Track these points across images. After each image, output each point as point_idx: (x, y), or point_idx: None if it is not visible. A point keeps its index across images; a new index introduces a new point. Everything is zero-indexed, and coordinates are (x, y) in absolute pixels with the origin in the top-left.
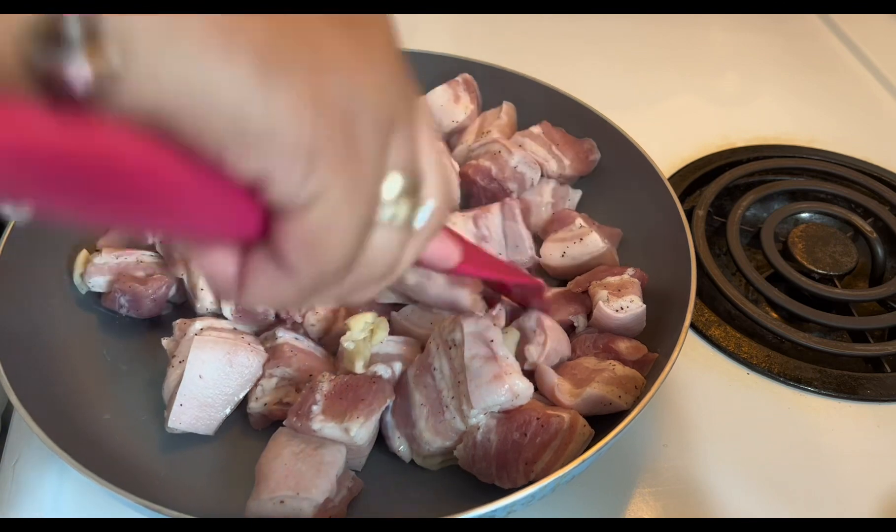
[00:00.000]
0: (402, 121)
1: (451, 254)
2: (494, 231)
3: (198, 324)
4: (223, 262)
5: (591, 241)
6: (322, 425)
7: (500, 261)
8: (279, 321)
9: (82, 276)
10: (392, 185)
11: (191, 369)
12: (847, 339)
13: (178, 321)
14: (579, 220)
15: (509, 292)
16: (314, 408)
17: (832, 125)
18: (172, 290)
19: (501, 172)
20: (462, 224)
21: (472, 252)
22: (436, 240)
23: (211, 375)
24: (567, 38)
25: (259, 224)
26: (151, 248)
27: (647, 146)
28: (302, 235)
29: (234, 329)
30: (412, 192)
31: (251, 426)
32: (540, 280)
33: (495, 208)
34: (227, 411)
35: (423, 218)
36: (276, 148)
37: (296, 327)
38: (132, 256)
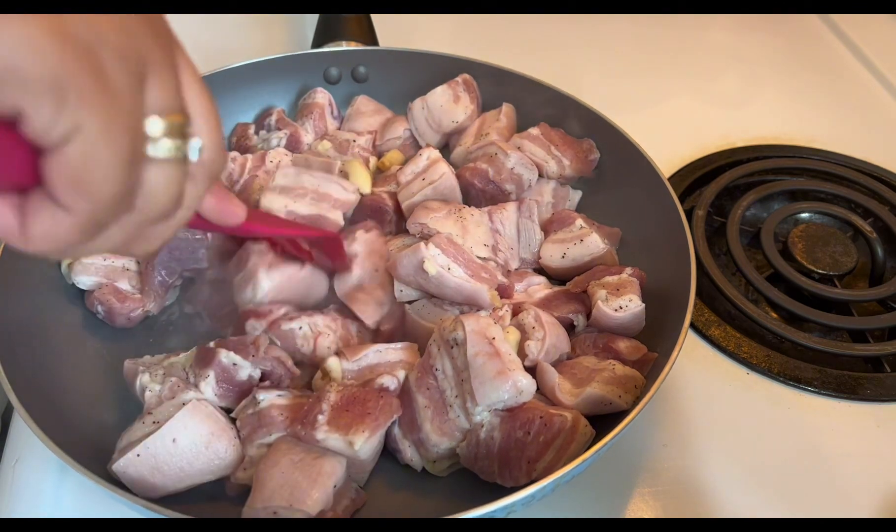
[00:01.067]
0: (156, 62)
1: (236, 210)
2: (508, 226)
3: (191, 394)
4: (2, 211)
5: (591, 242)
6: (326, 436)
7: (290, 221)
8: (233, 345)
9: (70, 266)
10: (154, 123)
11: (169, 429)
12: (847, 339)
13: (173, 379)
14: (579, 221)
15: (305, 253)
16: (320, 417)
17: (832, 125)
18: (145, 314)
19: (498, 174)
20: (478, 217)
21: (260, 214)
22: (222, 197)
23: (183, 446)
24: (567, 38)
25: (30, 166)
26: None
27: (647, 146)
28: (66, 171)
29: (227, 414)
30: (178, 130)
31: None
32: (335, 232)
33: (511, 206)
34: (170, 489)
35: (194, 153)
36: (20, 82)
37: (277, 383)
38: (119, 261)
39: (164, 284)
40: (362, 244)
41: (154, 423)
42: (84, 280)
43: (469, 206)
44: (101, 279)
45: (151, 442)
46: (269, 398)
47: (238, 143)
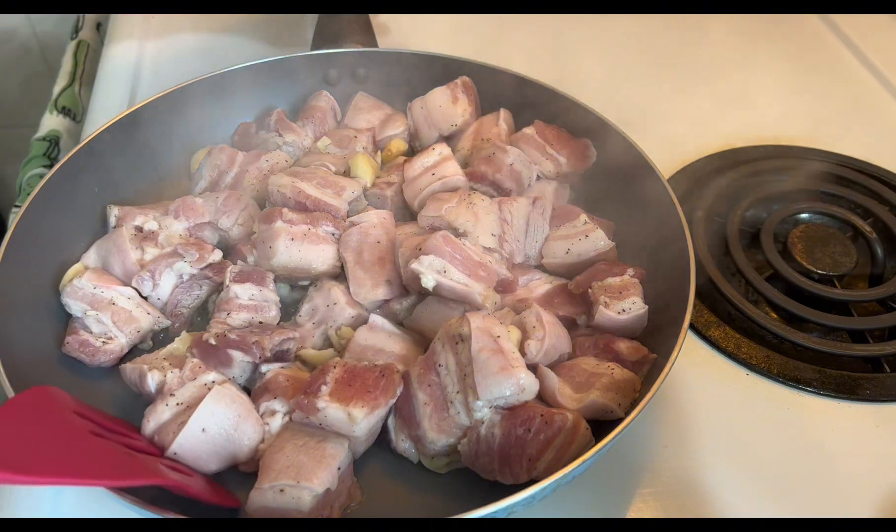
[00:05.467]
0: None
1: None
2: (518, 219)
3: (212, 375)
4: None
5: (596, 238)
6: (327, 405)
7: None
8: (237, 345)
9: (63, 288)
10: None
11: (197, 419)
12: (847, 339)
13: (193, 361)
14: (583, 216)
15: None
16: (323, 388)
17: (832, 125)
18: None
19: (498, 171)
20: (488, 205)
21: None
22: None
23: (214, 432)
24: (567, 39)
25: None
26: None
27: (647, 147)
28: None
29: (249, 392)
30: None
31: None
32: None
33: (524, 199)
34: (213, 468)
35: None
36: None
37: (281, 356)
38: (109, 293)
39: (190, 307)
40: (374, 215)
41: (178, 404)
42: (71, 304)
43: (478, 193)
44: (86, 306)
45: (183, 438)
46: (273, 368)
47: (240, 140)
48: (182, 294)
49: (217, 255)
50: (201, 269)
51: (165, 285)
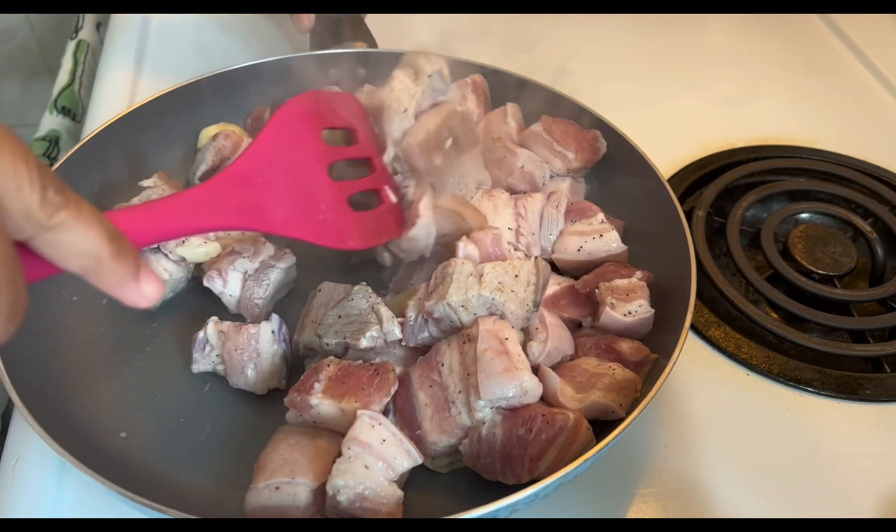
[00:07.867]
0: None
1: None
2: (532, 212)
3: None
4: None
5: (610, 239)
6: (320, 402)
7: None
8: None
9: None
10: None
11: None
12: (847, 339)
13: None
14: (601, 215)
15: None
16: (316, 385)
17: (832, 125)
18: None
19: (510, 175)
20: (506, 199)
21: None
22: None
23: None
24: (566, 39)
25: None
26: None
27: (646, 147)
28: None
29: None
30: None
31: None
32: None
33: (538, 194)
34: None
35: None
36: None
37: None
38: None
39: (264, 298)
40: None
41: None
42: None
43: (499, 188)
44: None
45: None
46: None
47: (253, 123)
48: (254, 287)
49: (269, 250)
50: (262, 262)
51: (234, 282)
